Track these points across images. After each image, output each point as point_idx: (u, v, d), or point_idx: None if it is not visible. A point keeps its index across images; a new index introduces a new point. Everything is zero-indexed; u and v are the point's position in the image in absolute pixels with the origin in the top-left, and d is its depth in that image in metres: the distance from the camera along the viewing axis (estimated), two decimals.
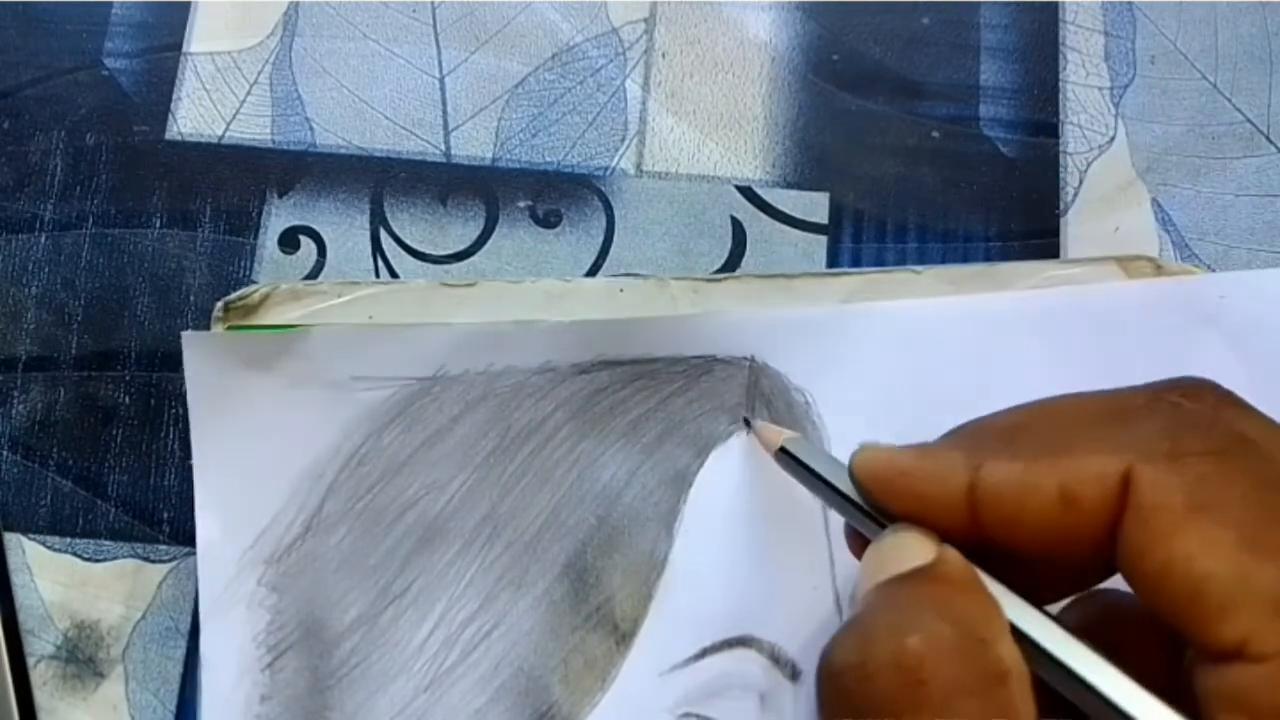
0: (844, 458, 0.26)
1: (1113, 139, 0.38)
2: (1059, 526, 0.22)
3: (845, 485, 0.26)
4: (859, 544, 0.26)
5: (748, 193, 0.37)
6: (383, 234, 0.37)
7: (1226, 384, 0.30)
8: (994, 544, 0.23)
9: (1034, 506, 0.22)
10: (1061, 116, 0.38)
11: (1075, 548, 0.22)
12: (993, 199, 0.37)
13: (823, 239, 0.37)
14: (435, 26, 0.39)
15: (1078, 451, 0.22)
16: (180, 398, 0.34)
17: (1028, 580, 0.23)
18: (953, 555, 0.22)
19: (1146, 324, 0.33)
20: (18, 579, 0.34)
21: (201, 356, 0.33)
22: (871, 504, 0.25)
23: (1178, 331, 0.33)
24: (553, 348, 0.33)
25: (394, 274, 0.36)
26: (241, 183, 0.37)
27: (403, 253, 0.36)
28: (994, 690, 0.20)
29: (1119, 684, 0.20)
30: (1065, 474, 0.22)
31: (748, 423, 0.33)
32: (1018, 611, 0.22)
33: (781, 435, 0.29)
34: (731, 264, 0.36)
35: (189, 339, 0.33)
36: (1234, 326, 0.33)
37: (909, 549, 0.23)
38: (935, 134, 0.38)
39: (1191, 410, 0.22)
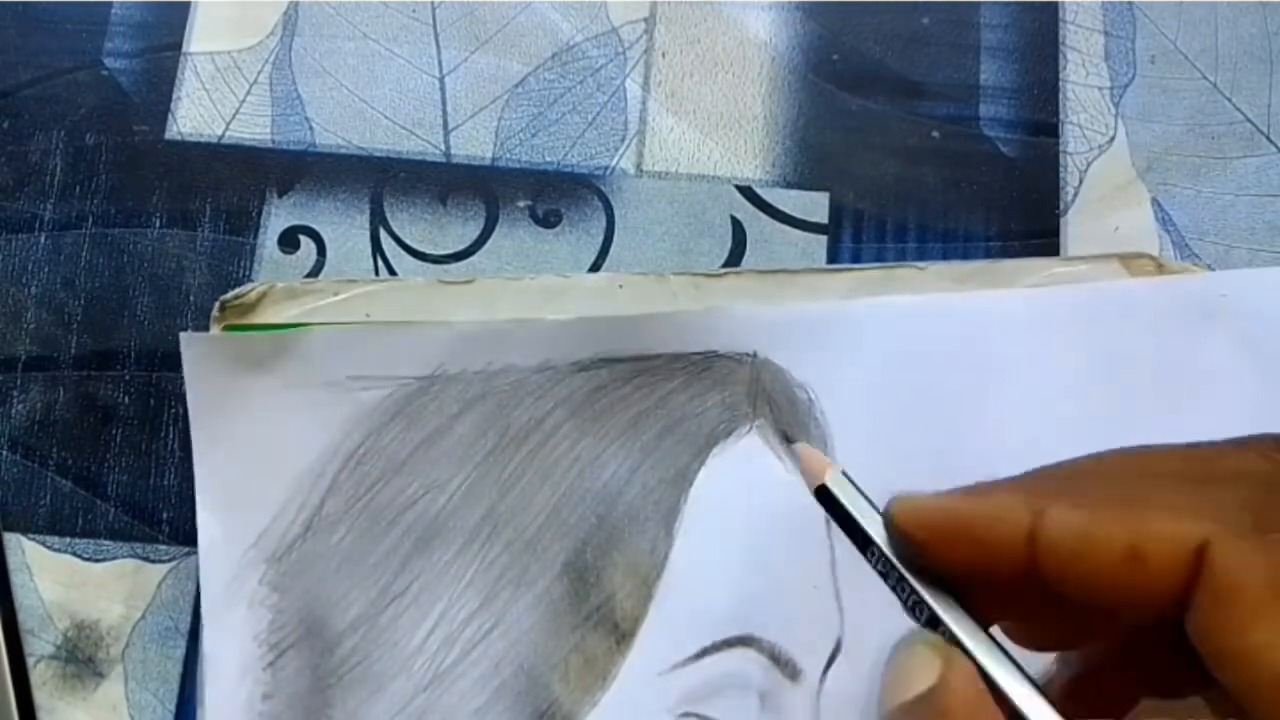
0: (847, 456, 0.25)
1: (1113, 139, 0.38)
2: (1124, 582, 0.20)
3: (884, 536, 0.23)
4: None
5: (748, 192, 0.37)
6: (382, 234, 0.37)
7: (1235, 382, 0.30)
8: (1052, 591, 0.21)
9: (1099, 559, 0.20)
10: (1061, 116, 0.38)
11: (1138, 602, 0.20)
12: (993, 199, 0.37)
13: (823, 239, 0.37)
14: (435, 26, 0.39)
15: (1151, 507, 0.20)
16: (180, 398, 0.34)
17: (1090, 627, 0.22)
18: (958, 677, 0.21)
19: (1151, 320, 0.33)
20: (17, 579, 0.34)
21: (200, 357, 0.33)
22: (911, 559, 0.22)
23: (1183, 328, 0.33)
24: (552, 346, 0.33)
25: (393, 273, 0.36)
26: (241, 183, 0.37)
27: (402, 252, 0.36)
28: None
29: None
30: (1136, 529, 0.20)
31: (789, 439, 0.32)
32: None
33: (826, 470, 0.24)
34: (732, 264, 0.36)
35: (187, 340, 0.33)
36: (1240, 323, 0.33)
37: (919, 666, 0.21)
38: (935, 134, 0.38)
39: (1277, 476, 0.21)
